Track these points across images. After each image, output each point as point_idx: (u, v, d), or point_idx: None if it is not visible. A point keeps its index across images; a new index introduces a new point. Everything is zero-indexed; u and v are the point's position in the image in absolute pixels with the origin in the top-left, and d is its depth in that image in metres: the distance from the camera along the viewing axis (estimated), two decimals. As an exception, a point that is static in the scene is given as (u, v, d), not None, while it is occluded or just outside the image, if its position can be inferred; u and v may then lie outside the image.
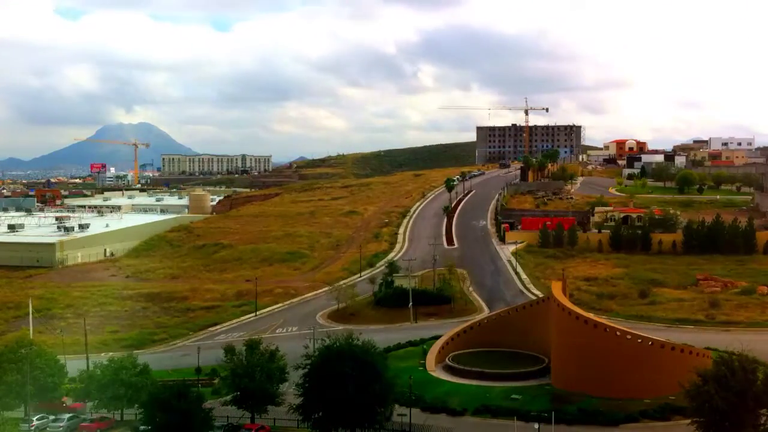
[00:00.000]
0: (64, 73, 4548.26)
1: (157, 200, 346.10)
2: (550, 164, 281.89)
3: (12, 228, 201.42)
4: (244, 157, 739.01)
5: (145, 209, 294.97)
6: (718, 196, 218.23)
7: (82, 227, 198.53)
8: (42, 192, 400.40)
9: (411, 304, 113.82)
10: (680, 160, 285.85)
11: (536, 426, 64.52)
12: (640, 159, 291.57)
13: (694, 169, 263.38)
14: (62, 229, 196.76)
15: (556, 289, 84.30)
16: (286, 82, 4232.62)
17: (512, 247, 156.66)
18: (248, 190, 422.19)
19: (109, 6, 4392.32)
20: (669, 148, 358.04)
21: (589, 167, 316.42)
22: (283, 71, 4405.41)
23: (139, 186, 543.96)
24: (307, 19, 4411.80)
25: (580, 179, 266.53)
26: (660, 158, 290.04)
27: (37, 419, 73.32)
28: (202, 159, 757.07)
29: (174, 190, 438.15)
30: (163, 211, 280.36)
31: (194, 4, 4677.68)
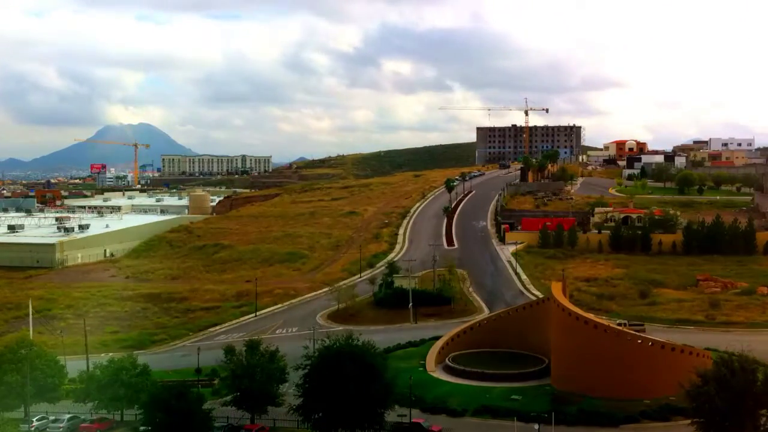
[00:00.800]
0: (60, 72, 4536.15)
1: (157, 201, 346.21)
2: (550, 165, 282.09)
3: (12, 228, 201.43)
4: (244, 157, 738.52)
5: (145, 210, 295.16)
6: (718, 197, 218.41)
7: (82, 228, 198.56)
8: (42, 192, 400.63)
9: (411, 304, 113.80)
10: (680, 161, 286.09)
11: (536, 427, 64.57)
12: (640, 159, 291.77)
13: (694, 169, 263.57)
14: (62, 230, 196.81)
15: (556, 289, 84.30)
16: (276, 82, 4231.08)
17: (512, 248, 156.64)
18: (248, 190, 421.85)
19: (92, 5, 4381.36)
20: (669, 148, 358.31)
21: (589, 168, 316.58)
22: (273, 72, 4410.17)
23: (139, 186, 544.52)
24: (297, 20, 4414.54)
25: (580, 180, 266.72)
26: (660, 159, 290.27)
27: (37, 420, 73.35)
28: (202, 159, 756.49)
29: (174, 190, 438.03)
30: (163, 212, 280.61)
31: (178, 5, 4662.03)
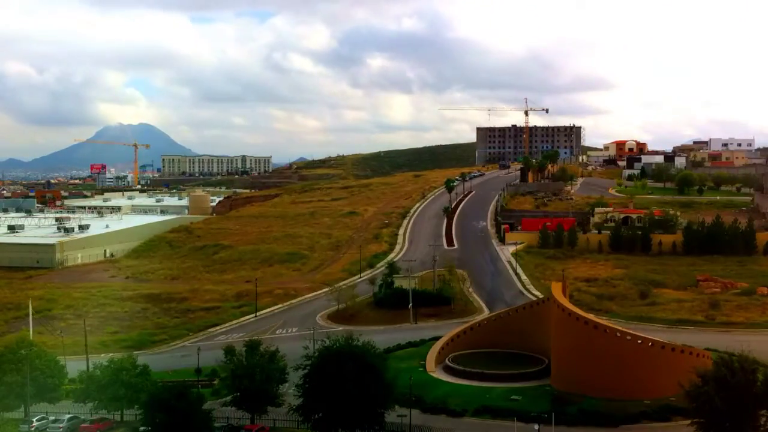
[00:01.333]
0: (58, 72, 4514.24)
1: (157, 201, 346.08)
2: (550, 165, 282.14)
3: (12, 229, 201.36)
4: (244, 158, 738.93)
5: (145, 210, 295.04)
6: (718, 197, 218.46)
7: (82, 228, 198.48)
8: (42, 193, 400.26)
9: (411, 305, 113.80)
10: (680, 161, 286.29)
11: (536, 427, 64.52)
12: (640, 160, 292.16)
13: (694, 170, 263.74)
14: (62, 230, 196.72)
15: (556, 290, 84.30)
16: (270, 83, 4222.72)
17: (512, 248, 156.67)
18: (248, 190, 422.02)
19: (85, 4, 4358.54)
20: (666, 148, 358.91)
21: (589, 168, 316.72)
22: (266, 72, 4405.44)
23: (139, 187, 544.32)
24: (288, 22, 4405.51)
25: (580, 180, 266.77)
26: (660, 159, 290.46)
27: (37, 420, 73.31)
28: (202, 160, 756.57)
29: (174, 190, 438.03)
30: (163, 212, 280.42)
31: (171, 5, 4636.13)
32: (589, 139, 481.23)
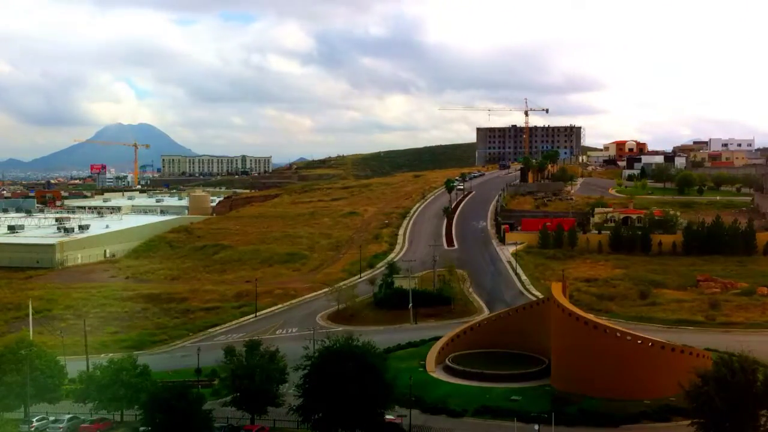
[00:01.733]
0: (57, 72, 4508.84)
1: (157, 201, 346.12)
2: (550, 165, 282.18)
3: (12, 229, 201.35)
4: (244, 158, 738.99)
5: (145, 210, 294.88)
6: (718, 197, 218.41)
7: (82, 228, 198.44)
8: (42, 193, 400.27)
9: (411, 305, 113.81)
10: (680, 161, 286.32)
11: (536, 427, 64.61)
12: (639, 160, 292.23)
13: (694, 170, 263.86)
14: (62, 230, 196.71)
15: (556, 290, 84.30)
16: (268, 83, 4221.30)
17: (512, 248, 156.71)
18: (248, 191, 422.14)
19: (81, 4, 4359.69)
20: (667, 148, 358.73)
21: (589, 168, 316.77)
22: (262, 73, 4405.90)
23: (139, 187, 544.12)
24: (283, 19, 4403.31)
25: (580, 180, 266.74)
26: (660, 159, 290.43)
27: (37, 420, 73.31)
28: (202, 160, 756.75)
29: (174, 191, 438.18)
30: (163, 212, 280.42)
31: (170, 5, 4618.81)
32: (587, 140, 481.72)
